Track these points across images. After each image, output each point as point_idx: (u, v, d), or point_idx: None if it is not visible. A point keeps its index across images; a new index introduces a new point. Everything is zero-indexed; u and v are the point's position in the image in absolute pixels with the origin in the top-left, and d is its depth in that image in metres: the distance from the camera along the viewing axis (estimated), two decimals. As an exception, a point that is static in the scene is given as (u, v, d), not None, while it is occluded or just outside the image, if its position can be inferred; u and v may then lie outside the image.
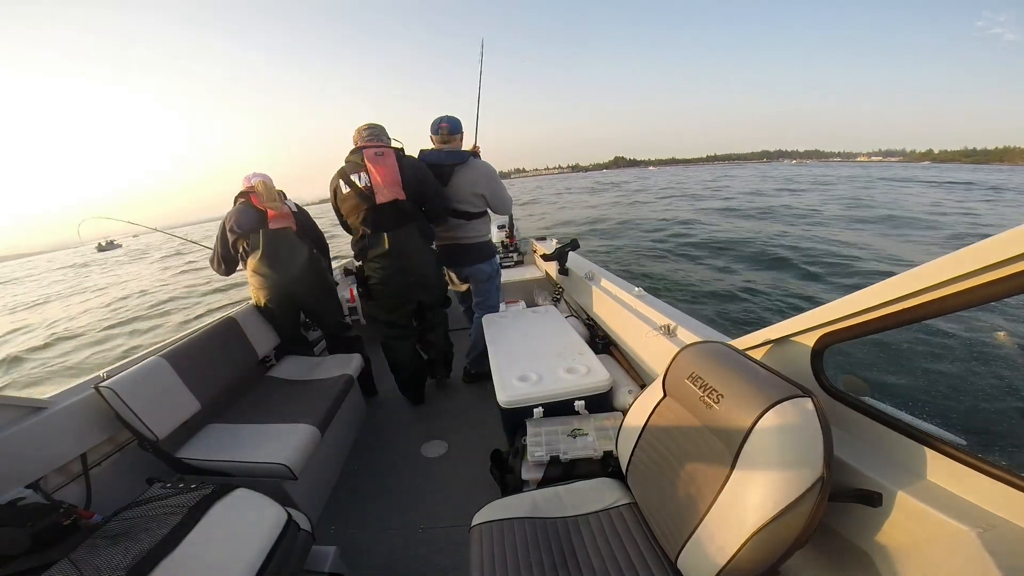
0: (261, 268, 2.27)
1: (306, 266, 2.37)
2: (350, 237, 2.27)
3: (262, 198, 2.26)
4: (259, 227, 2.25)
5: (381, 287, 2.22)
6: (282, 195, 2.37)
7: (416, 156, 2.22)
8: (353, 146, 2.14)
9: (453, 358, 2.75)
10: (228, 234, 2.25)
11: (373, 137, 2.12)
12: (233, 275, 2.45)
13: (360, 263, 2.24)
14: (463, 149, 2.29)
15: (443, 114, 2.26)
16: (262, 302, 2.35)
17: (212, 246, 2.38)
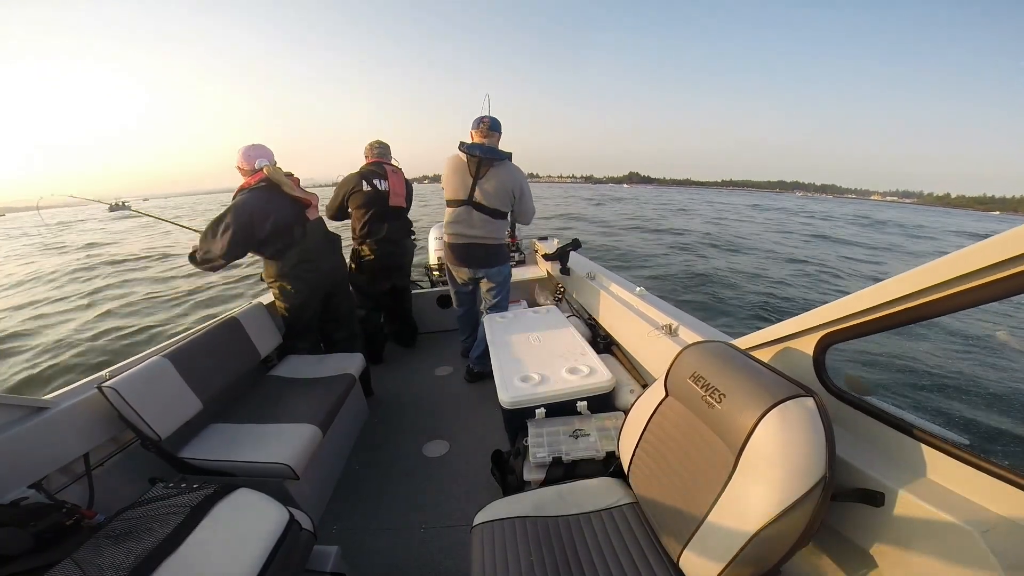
0: (305, 266, 2.22)
1: (341, 254, 2.49)
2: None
3: (288, 186, 2.12)
4: (302, 221, 2.19)
5: (373, 262, 2.80)
6: (293, 179, 2.22)
7: (457, 147, 2.30)
8: (364, 152, 2.82)
9: (417, 331, 3.38)
10: (258, 228, 2.05)
11: (384, 152, 2.81)
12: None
13: (360, 244, 2.80)
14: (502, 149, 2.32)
15: (483, 114, 2.31)
16: (295, 296, 2.27)
17: (191, 230, 2.16)
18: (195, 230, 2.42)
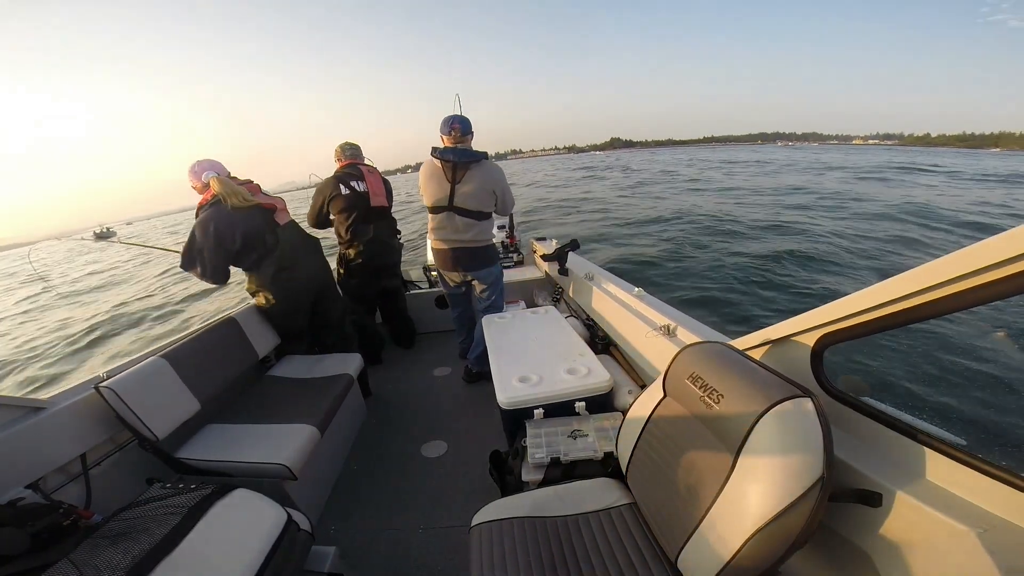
0: (283, 274, 2.18)
1: (322, 257, 2.45)
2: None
3: (237, 196, 2.02)
4: (272, 227, 2.15)
5: (363, 265, 2.77)
6: (251, 185, 2.15)
7: (430, 154, 2.25)
8: (335, 156, 2.80)
9: (415, 332, 3.39)
10: (228, 243, 2.02)
11: (356, 153, 2.78)
12: None
13: (347, 248, 2.78)
14: (477, 149, 2.27)
15: (452, 114, 2.24)
16: (279, 305, 2.24)
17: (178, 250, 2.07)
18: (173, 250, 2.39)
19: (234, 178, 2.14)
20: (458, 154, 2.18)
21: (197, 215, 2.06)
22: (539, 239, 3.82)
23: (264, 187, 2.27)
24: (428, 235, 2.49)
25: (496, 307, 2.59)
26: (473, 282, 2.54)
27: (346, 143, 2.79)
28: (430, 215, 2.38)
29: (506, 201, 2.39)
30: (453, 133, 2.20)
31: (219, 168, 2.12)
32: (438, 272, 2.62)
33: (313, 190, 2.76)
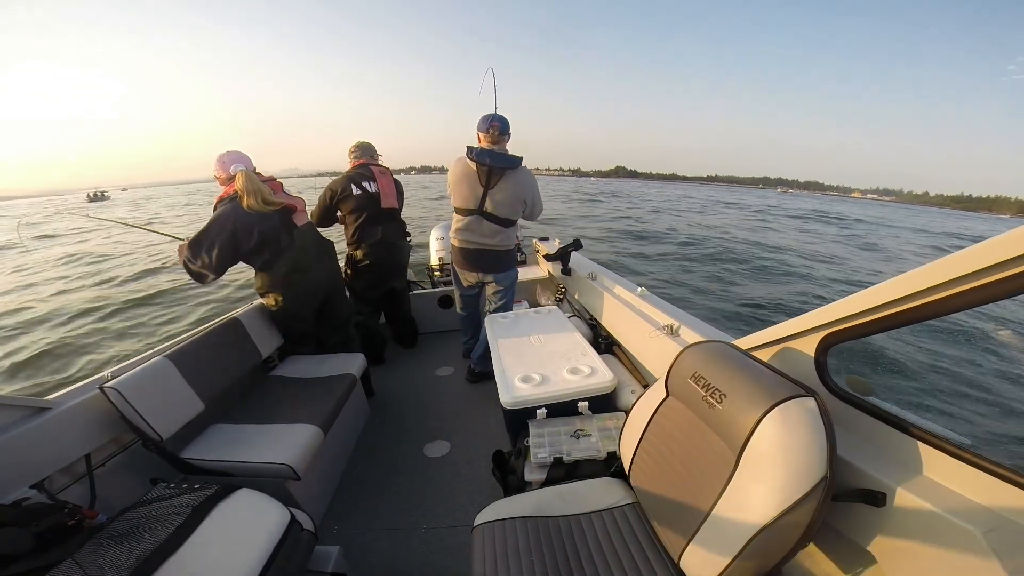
0: (295, 276, 2.17)
1: (335, 261, 2.45)
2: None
3: (258, 194, 2.00)
4: (288, 227, 2.14)
5: (370, 266, 2.77)
6: (274, 183, 2.14)
7: (465, 153, 2.21)
8: (348, 155, 2.82)
9: (418, 332, 3.41)
10: (243, 241, 2.00)
11: (368, 152, 2.79)
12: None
13: (354, 249, 2.77)
14: (513, 154, 2.22)
15: (490, 112, 2.19)
16: (287, 307, 2.22)
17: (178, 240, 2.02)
18: (168, 235, 2.56)
19: (259, 174, 2.11)
20: (495, 158, 2.13)
21: (216, 207, 2.05)
22: (542, 239, 3.81)
23: (266, 169, 2.22)
24: (449, 232, 2.46)
25: (505, 309, 2.58)
26: (489, 284, 2.53)
27: (360, 142, 2.79)
28: (456, 215, 2.35)
29: (535, 209, 2.36)
30: (491, 132, 2.14)
31: (247, 162, 2.10)
32: (453, 271, 2.59)
33: (316, 179, 2.71)
